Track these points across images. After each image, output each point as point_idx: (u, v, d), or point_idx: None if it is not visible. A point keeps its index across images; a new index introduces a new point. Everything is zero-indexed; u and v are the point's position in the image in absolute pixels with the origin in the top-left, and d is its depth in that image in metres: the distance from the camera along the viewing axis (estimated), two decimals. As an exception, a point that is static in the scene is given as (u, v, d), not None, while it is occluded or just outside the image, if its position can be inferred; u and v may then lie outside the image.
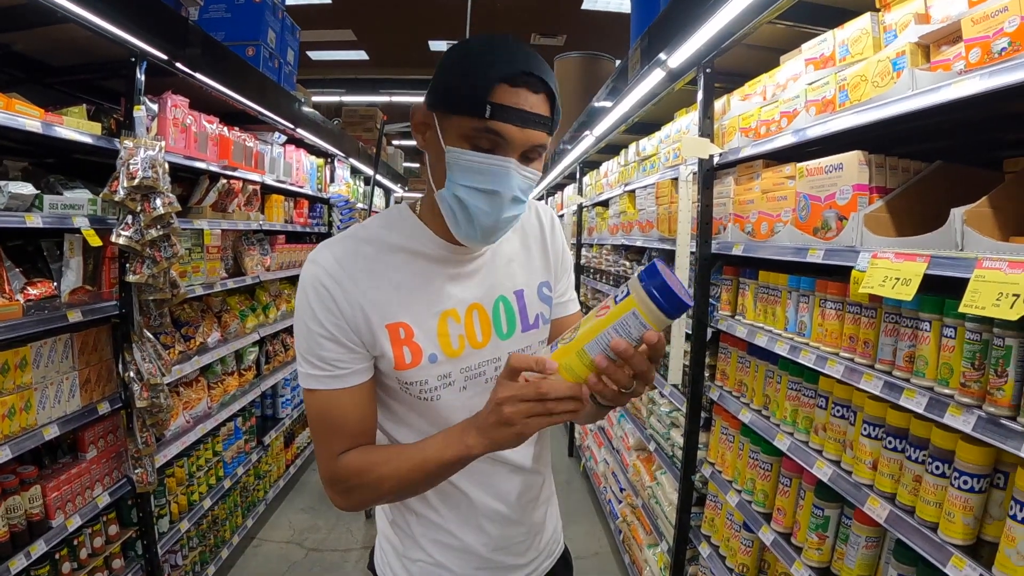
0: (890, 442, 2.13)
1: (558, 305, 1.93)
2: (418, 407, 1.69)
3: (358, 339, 1.59)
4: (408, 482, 1.56)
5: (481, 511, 1.78)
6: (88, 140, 3.28)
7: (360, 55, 17.00)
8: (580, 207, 7.75)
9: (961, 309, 1.67)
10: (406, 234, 1.67)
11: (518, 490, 1.83)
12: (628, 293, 1.31)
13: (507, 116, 1.42)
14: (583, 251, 7.72)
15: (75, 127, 3.20)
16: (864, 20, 2.39)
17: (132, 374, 3.58)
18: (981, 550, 1.81)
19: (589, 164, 7.62)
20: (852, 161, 2.34)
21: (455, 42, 1.61)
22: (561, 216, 8.63)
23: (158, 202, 3.49)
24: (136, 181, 3.35)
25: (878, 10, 2.41)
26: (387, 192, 12.00)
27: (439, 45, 15.31)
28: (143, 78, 3.55)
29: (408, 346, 1.62)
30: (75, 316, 3.20)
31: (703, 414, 3.61)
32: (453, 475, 1.60)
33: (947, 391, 1.87)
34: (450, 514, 1.77)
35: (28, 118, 2.91)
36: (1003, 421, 1.66)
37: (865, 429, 2.24)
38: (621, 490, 5.47)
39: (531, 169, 1.52)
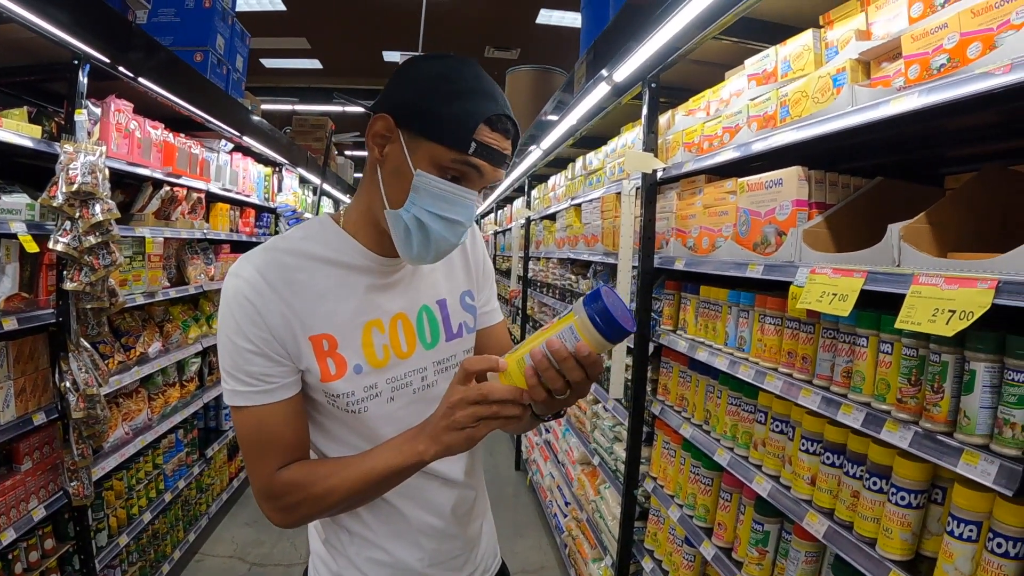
0: (828, 457, 2.13)
1: (483, 315, 1.94)
2: (346, 420, 1.66)
3: (284, 352, 1.56)
4: (355, 493, 1.55)
5: (416, 526, 1.75)
6: (28, 144, 3.22)
7: (314, 64, 16.97)
8: (528, 220, 7.77)
9: (897, 325, 1.68)
10: (328, 245, 1.65)
11: (451, 503, 1.81)
12: (570, 311, 1.35)
13: (488, 156, 1.48)
14: (530, 264, 7.75)
15: (14, 130, 3.14)
16: (806, 36, 2.42)
17: (68, 384, 3.50)
18: (920, 565, 1.82)
19: (537, 177, 7.66)
20: (791, 177, 2.35)
21: (410, 54, 1.62)
22: (508, 229, 8.64)
23: (97, 208, 3.42)
24: (75, 187, 3.29)
25: (821, 27, 2.43)
26: (336, 203, 11.92)
27: (393, 56, 15.29)
28: (86, 81, 3.49)
29: (332, 358, 1.60)
30: (10, 324, 3.14)
31: (645, 428, 3.61)
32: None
33: (884, 407, 1.88)
34: (384, 530, 1.74)
35: (-37, 120, 2.84)
36: (939, 437, 1.66)
37: (803, 444, 2.25)
38: (566, 504, 5.47)
39: (479, 199, 1.58)
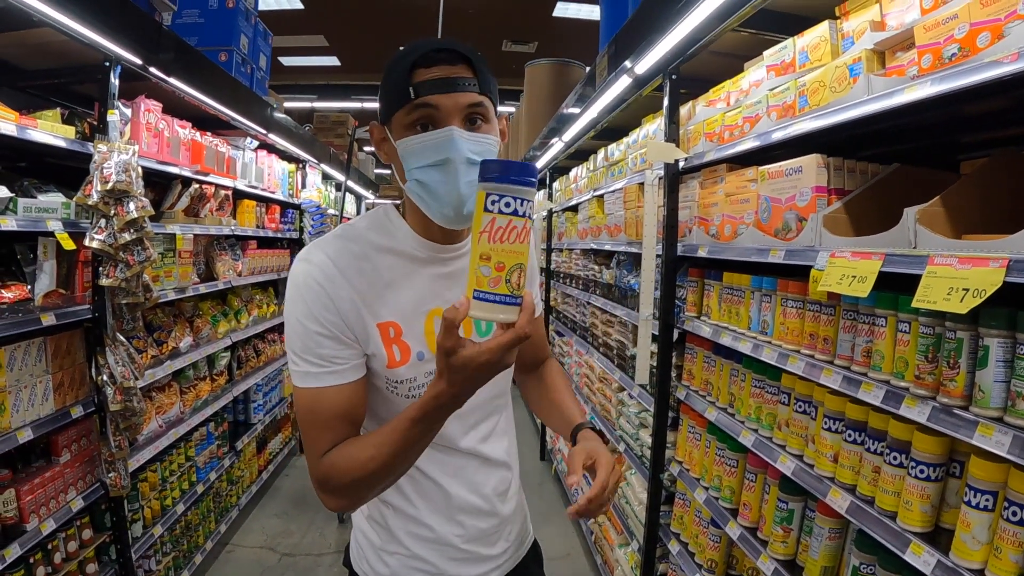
0: (850, 435, 2.19)
1: None
2: (401, 405, 1.65)
3: (353, 336, 1.61)
4: (394, 452, 1.48)
5: (457, 504, 1.82)
6: (62, 144, 3.30)
7: (332, 61, 17.01)
8: (550, 212, 7.80)
9: (914, 304, 1.73)
10: (392, 235, 1.71)
11: (493, 483, 1.88)
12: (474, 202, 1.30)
13: (428, 88, 1.51)
14: (553, 256, 7.76)
15: (49, 131, 3.21)
16: (823, 28, 2.46)
17: (105, 377, 3.58)
18: (939, 537, 1.87)
19: (559, 170, 7.68)
20: (811, 164, 2.40)
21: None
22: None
23: (131, 206, 3.50)
24: (109, 185, 3.37)
25: (837, 18, 2.48)
26: (358, 198, 11.97)
27: (411, 52, 15.28)
28: (117, 82, 3.56)
29: (397, 344, 1.66)
30: (49, 319, 3.20)
31: (671, 413, 3.65)
32: (430, 463, 1.69)
33: (903, 384, 1.94)
34: (426, 507, 1.80)
35: (2, 121, 2.93)
36: (956, 411, 1.72)
37: (826, 423, 2.30)
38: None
39: (479, 133, 1.58)
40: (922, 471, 1.87)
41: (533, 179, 1.27)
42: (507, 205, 1.25)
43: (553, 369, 2.26)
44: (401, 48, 1.58)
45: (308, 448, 1.62)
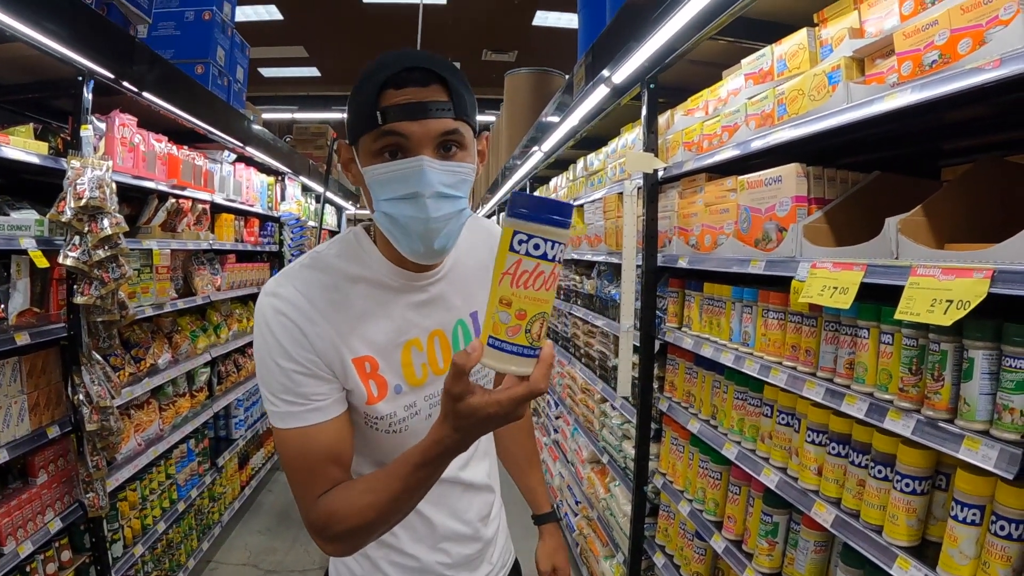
0: (834, 448, 2.17)
1: None
2: (381, 440, 1.64)
3: (330, 371, 1.52)
4: (393, 500, 1.38)
5: (441, 532, 1.77)
6: (34, 160, 3.25)
7: (312, 72, 16.99)
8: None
9: (897, 316, 1.71)
10: (364, 263, 1.60)
11: (475, 507, 1.84)
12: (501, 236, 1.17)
13: (398, 114, 1.38)
14: (534, 265, 7.67)
15: (21, 147, 3.17)
16: (801, 35, 2.45)
17: (81, 397, 3.53)
18: (926, 550, 1.85)
19: (539, 179, 7.66)
20: (790, 173, 2.38)
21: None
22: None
23: (105, 223, 3.45)
24: (83, 201, 3.32)
25: (816, 25, 2.46)
26: (339, 210, 11.95)
27: (390, 61, 15.31)
28: (90, 97, 3.52)
29: (374, 379, 1.58)
30: (23, 339, 3.15)
31: (653, 425, 3.64)
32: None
33: (887, 396, 1.91)
34: (409, 537, 1.74)
35: (-28, 139, 2.87)
36: (941, 424, 1.70)
37: (809, 436, 2.28)
38: (577, 503, 5.49)
39: (452, 162, 1.45)
40: (907, 484, 1.85)
41: (568, 220, 1.14)
42: (536, 247, 1.12)
43: (527, 425, 2.27)
44: (371, 62, 1.46)
45: (299, 494, 1.51)
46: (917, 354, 1.81)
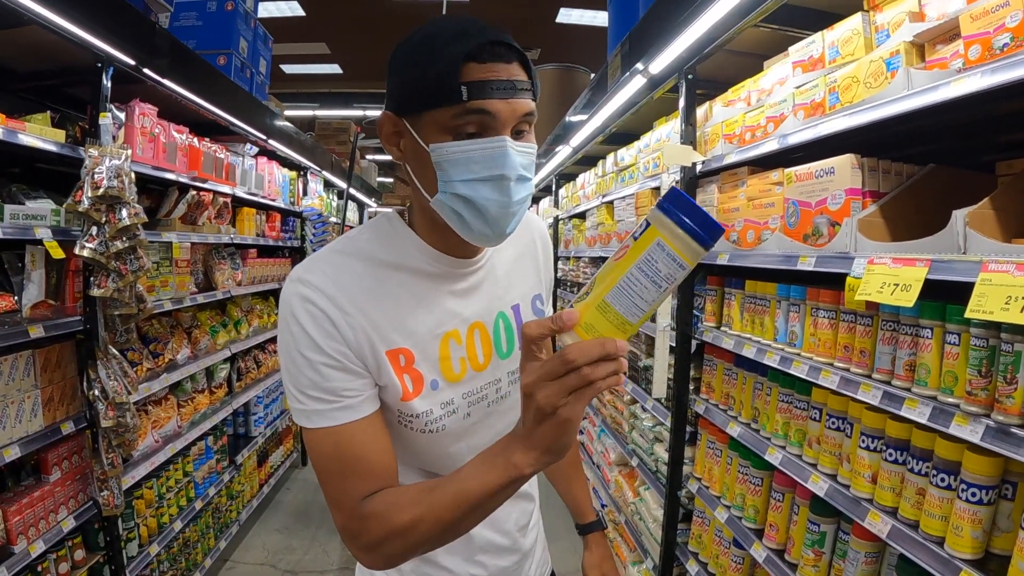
0: (890, 454, 2.07)
1: None
2: (415, 440, 1.52)
3: (363, 365, 1.40)
4: (445, 522, 1.27)
5: (477, 544, 1.66)
6: (52, 148, 3.17)
7: (334, 69, 17.00)
8: (556, 219, 7.73)
9: (967, 314, 1.61)
10: (399, 249, 1.50)
11: (514, 517, 1.73)
12: (648, 225, 1.06)
13: (487, 91, 1.28)
14: (560, 264, 7.71)
15: (38, 134, 3.09)
16: (855, 20, 2.34)
17: (97, 392, 3.46)
18: (989, 563, 1.77)
19: (565, 176, 7.62)
20: (844, 165, 2.28)
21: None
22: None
23: (124, 213, 3.38)
24: (101, 191, 3.24)
25: (868, 11, 2.35)
26: (360, 206, 11.92)
27: (413, 58, 15.36)
28: (109, 84, 3.44)
29: (409, 373, 1.45)
30: (37, 332, 3.08)
31: (688, 428, 3.56)
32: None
33: (952, 400, 1.82)
34: (443, 548, 1.54)
35: (-11, 125, 2.80)
36: (1013, 430, 1.60)
37: (863, 441, 2.18)
38: (603, 506, 5.42)
39: (526, 143, 1.37)
40: (974, 494, 1.76)
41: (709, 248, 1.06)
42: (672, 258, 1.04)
43: None
44: (432, 27, 1.34)
45: (332, 498, 1.40)
46: (987, 355, 1.72)
